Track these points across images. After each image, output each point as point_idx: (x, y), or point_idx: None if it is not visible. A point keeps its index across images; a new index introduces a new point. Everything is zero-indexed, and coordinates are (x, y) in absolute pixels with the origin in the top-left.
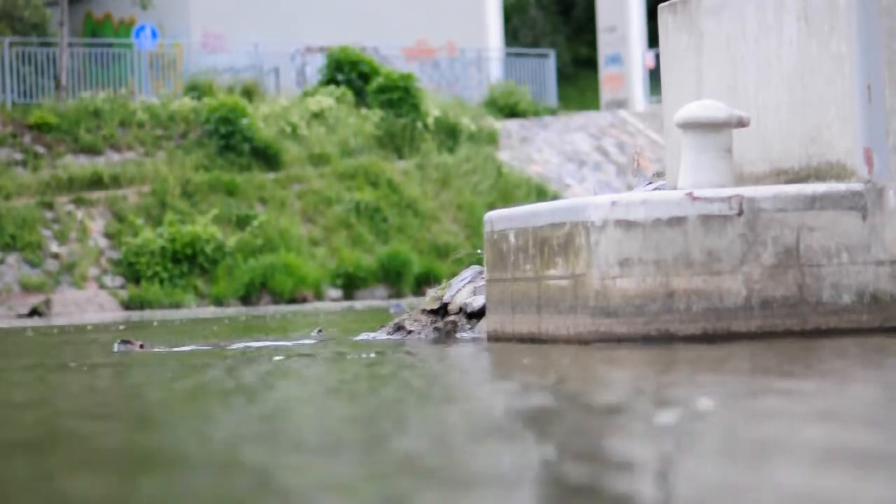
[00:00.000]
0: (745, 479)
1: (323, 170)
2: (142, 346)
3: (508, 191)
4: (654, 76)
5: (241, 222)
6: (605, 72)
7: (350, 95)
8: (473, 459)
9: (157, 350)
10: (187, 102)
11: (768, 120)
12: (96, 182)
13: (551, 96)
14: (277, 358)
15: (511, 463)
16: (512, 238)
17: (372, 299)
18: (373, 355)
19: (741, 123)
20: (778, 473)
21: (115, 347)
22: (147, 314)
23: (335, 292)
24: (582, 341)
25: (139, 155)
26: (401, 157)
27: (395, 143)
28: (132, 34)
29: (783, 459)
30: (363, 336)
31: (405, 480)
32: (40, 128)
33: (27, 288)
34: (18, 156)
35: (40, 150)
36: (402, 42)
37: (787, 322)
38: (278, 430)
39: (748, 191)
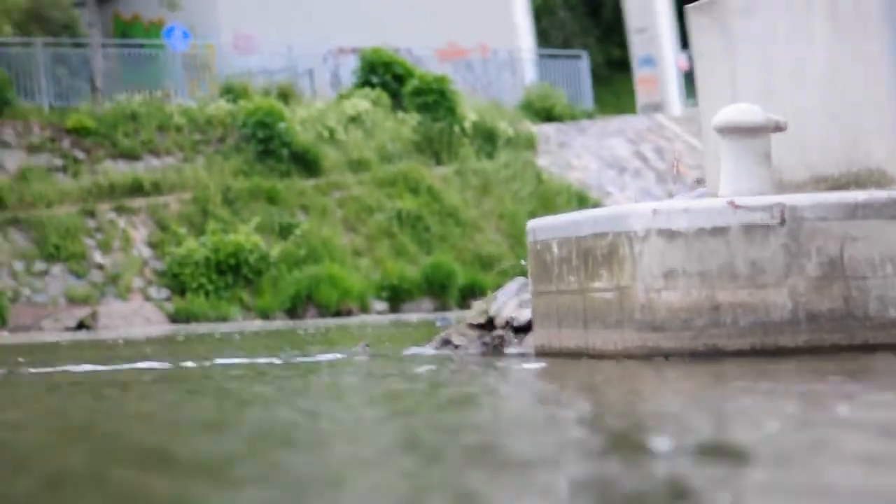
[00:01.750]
0: None
1: (362, 176)
2: None
3: (549, 198)
4: (690, 78)
5: (284, 231)
6: (638, 73)
7: (386, 98)
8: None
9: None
10: (223, 106)
11: (805, 124)
12: (137, 189)
13: (587, 99)
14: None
15: None
16: (555, 248)
17: (418, 312)
18: (423, 371)
19: (778, 128)
20: None
21: None
22: (193, 327)
23: (381, 305)
24: (629, 356)
25: (178, 160)
26: (439, 162)
27: (433, 147)
28: (162, 35)
29: None
30: (411, 350)
31: None
32: (78, 132)
33: (73, 300)
34: (58, 161)
35: (80, 155)
36: (433, 43)
37: (835, 336)
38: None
39: (789, 199)
